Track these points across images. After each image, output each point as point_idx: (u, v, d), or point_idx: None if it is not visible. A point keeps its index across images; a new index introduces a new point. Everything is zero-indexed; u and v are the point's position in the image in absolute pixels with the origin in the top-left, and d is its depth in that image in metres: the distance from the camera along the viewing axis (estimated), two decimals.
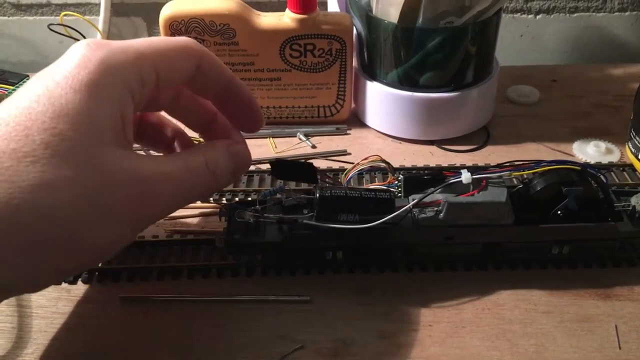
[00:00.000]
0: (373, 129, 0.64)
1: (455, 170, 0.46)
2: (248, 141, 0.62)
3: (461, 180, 0.44)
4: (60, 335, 0.43)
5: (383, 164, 0.49)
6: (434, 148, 0.62)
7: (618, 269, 0.47)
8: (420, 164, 0.59)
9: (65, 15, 0.67)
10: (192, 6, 0.58)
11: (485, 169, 0.46)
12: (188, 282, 0.47)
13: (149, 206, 0.37)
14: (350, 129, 0.64)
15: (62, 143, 0.32)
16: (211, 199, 0.55)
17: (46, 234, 0.32)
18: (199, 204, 0.54)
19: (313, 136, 0.63)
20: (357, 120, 0.65)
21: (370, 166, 0.49)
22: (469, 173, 0.44)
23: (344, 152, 0.61)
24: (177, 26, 0.58)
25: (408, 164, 0.59)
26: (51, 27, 0.65)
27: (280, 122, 0.65)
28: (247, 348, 0.42)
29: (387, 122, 0.63)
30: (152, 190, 0.36)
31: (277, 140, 0.63)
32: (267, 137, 0.63)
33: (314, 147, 0.62)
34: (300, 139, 0.63)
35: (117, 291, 0.46)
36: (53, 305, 0.45)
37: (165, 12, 0.58)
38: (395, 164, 0.58)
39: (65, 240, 0.33)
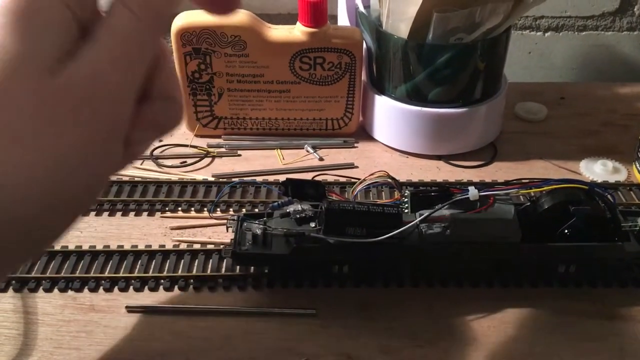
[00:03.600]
0: (380, 142, 0.64)
1: (463, 186, 0.46)
2: (257, 152, 0.63)
3: (468, 197, 0.44)
4: (65, 343, 0.43)
5: (390, 180, 0.49)
6: (441, 163, 0.62)
7: (624, 289, 0.47)
8: (427, 179, 0.59)
9: None
10: (204, 17, 0.58)
11: (492, 186, 0.47)
12: (195, 293, 0.47)
13: (106, 104, 0.28)
14: (357, 142, 0.65)
15: None
16: (218, 210, 0.55)
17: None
18: (204, 214, 0.54)
19: (321, 148, 0.64)
20: (364, 133, 0.65)
21: (376, 182, 0.49)
22: (476, 190, 0.44)
23: (351, 166, 0.61)
24: (189, 37, 0.58)
25: (415, 179, 0.59)
26: None
27: (289, 134, 0.65)
28: None
29: (394, 137, 0.63)
30: (99, 87, 0.28)
31: (284, 151, 0.63)
32: (275, 149, 0.63)
33: (321, 159, 0.62)
34: (307, 151, 0.63)
35: (123, 300, 0.46)
36: (59, 312, 0.45)
37: (177, 23, 0.58)
38: (402, 178, 0.59)
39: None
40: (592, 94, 0.73)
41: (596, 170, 0.60)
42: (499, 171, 0.60)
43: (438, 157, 0.62)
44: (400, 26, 0.57)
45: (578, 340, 0.43)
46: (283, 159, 0.62)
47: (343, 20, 0.67)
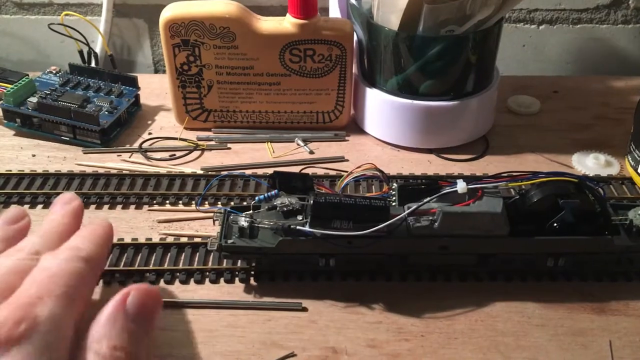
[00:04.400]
0: (372, 136, 0.64)
1: (451, 180, 0.45)
2: (246, 145, 0.62)
3: (456, 190, 0.44)
4: None
5: (377, 173, 0.48)
6: (432, 157, 0.61)
7: (614, 284, 0.47)
8: (418, 172, 0.59)
9: (66, 15, 0.67)
10: (193, 9, 0.58)
11: (481, 179, 0.46)
12: (181, 287, 0.47)
13: None
14: (348, 136, 0.64)
15: None
16: (206, 203, 0.54)
17: None
18: (192, 207, 0.54)
19: (311, 142, 0.63)
20: (355, 127, 0.65)
21: (363, 174, 0.48)
22: (465, 183, 0.44)
23: (341, 159, 0.61)
24: (177, 28, 0.58)
25: (406, 172, 0.58)
26: (51, 26, 0.65)
27: (279, 127, 0.64)
28: (238, 354, 0.42)
29: (385, 130, 0.62)
30: None
31: (275, 145, 0.63)
32: (265, 142, 0.63)
33: (311, 152, 0.62)
34: (298, 144, 0.63)
35: (108, 294, 0.46)
36: None
37: (165, 14, 0.58)
38: (393, 172, 0.58)
39: None
40: (586, 87, 0.73)
41: (588, 163, 0.60)
42: (491, 165, 0.60)
43: (429, 151, 0.62)
44: (391, 18, 0.56)
45: (567, 334, 0.43)
46: (273, 152, 0.62)
47: (334, 12, 0.66)
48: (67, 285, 0.34)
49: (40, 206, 0.54)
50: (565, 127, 0.66)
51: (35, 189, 0.55)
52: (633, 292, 0.46)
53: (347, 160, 0.61)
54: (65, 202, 0.43)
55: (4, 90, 0.62)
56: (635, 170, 0.56)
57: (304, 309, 0.45)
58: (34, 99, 0.62)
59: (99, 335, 0.32)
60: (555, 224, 0.44)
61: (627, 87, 0.72)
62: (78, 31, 0.67)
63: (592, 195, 0.45)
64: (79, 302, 0.35)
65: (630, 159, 0.57)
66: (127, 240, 0.50)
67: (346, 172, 0.52)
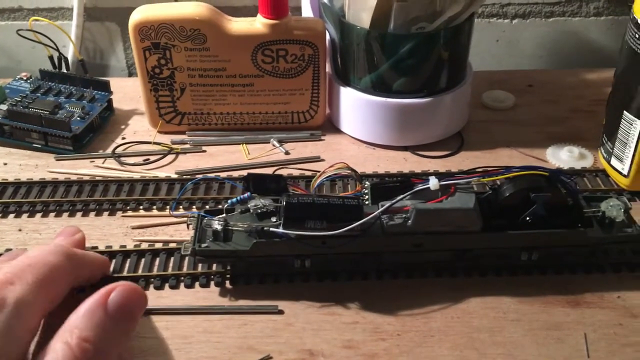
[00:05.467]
0: (347, 134, 0.64)
1: (424, 177, 0.45)
2: (221, 147, 0.62)
3: (429, 187, 0.43)
4: None
5: (350, 171, 0.48)
6: (407, 154, 0.61)
7: (588, 276, 0.47)
8: (394, 170, 0.59)
9: (34, 20, 0.66)
10: (162, 11, 0.57)
11: (453, 175, 0.46)
12: (156, 292, 0.46)
13: None
14: (324, 135, 0.64)
15: None
16: (181, 207, 0.54)
17: None
18: (167, 212, 0.53)
19: (287, 142, 0.63)
20: (331, 126, 0.65)
21: (336, 174, 0.48)
22: (437, 179, 0.44)
23: (317, 159, 0.61)
24: (147, 32, 0.57)
25: (381, 170, 0.58)
26: (20, 32, 0.64)
27: (254, 128, 0.64)
28: None
29: (361, 128, 0.62)
30: None
31: (250, 146, 0.62)
32: (240, 144, 0.63)
33: (287, 153, 0.61)
34: (273, 145, 0.62)
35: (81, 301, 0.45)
36: None
37: (135, 17, 0.57)
38: (369, 170, 0.58)
39: None
40: (560, 80, 0.73)
41: (562, 157, 0.60)
42: (466, 161, 0.60)
43: (405, 148, 0.62)
44: (362, 16, 0.56)
45: (542, 328, 0.43)
46: (249, 153, 0.61)
47: (307, 11, 0.66)
48: (42, 275, 0.34)
49: (12, 215, 0.53)
50: (540, 121, 0.66)
51: (6, 198, 0.55)
52: (607, 284, 0.46)
53: (323, 160, 0.60)
54: (69, 234, 0.44)
55: None
56: (608, 162, 0.56)
57: (280, 312, 0.45)
58: (4, 107, 0.61)
59: (72, 325, 0.32)
60: (527, 218, 0.44)
61: (599, 79, 0.73)
62: (48, 37, 0.66)
63: (564, 189, 0.45)
64: (52, 294, 0.35)
65: (602, 151, 0.57)
66: (101, 247, 0.49)
67: (321, 171, 0.52)
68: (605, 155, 0.57)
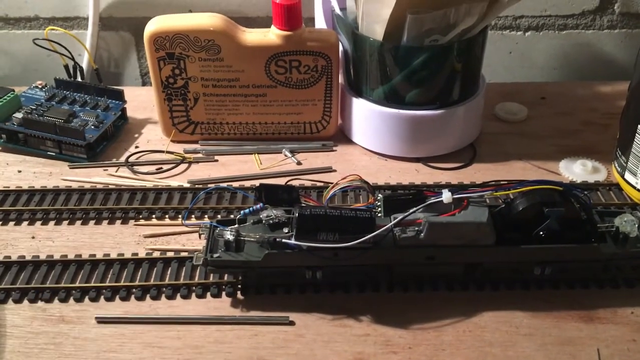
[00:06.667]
0: (359, 145, 0.64)
1: (437, 189, 0.45)
2: (234, 157, 0.62)
3: (442, 200, 0.43)
4: (33, 355, 0.42)
5: (362, 184, 0.48)
6: (419, 165, 0.61)
7: (601, 291, 0.47)
8: (405, 181, 0.58)
9: (50, 29, 0.67)
10: (177, 22, 0.58)
11: (466, 188, 0.46)
12: (168, 302, 0.47)
13: None
14: (336, 146, 0.64)
15: None
16: (193, 217, 0.54)
17: None
18: (179, 221, 0.53)
19: (299, 152, 0.63)
20: (343, 137, 0.65)
21: (349, 185, 0.48)
22: (450, 193, 0.43)
23: (329, 169, 0.61)
24: (162, 42, 0.58)
25: (393, 182, 0.58)
26: (36, 41, 0.65)
27: (266, 138, 0.64)
28: None
29: (373, 139, 0.62)
30: None
31: (262, 156, 0.62)
32: (252, 154, 0.63)
33: (299, 163, 0.61)
34: (285, 156, 0.62)
35: (94, 311, 0.46)
36: (28, 324, 0.45)
37: (150, 28, 0.58)
38: (381, 181, 0.58)
39: None
40: (573, 93, 0.73)
41: (575, 170, 0.60)
42: (478, 173, 0.60)
43: (417, 160, 0.62)
44: (376, 28, 0.57)
45: (554, 344, 0.43)
46: (261, 163, 0.62)
47: (320, 22, 0.66)
48: None
49: (25, 223, 0.54)
50: (553, 133, 0.66)
51: (20, 205, 0.55)
52: (620, 299, 0.46)
53: (335, 171, 0.60)
54: None
55: None
56: (622, 176, 0.56)
57: (291, 323, 0.45)
58: (19, 115, 0.62)
59: None
60: (541, 232, 0.44)
61: (613, 92, 0.72)
62: (63, 46, 0.67)
63: (578, 203, 0.45)
64: None
65: (616, 164, 0.57)
66: (113, 255, 0.50)
67: (333, 183, 0.52)
68: (619, 169, 0.56)
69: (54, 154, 0.62)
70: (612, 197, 0.56)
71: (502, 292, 0.47)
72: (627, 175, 0.55)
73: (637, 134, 0.52)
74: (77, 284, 0.47)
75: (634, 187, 0.54)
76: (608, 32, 0.78)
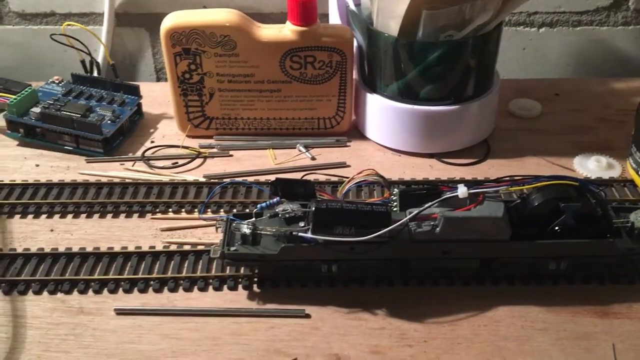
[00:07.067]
0: (373, 141, 0.64)
1: (452, 184, 0.45)
2: (248, 152, 0.63)
3: (457, 195, 0.44)
4: (53, 346, 0.43)
5: (378, 178, 0.48)
6: (433, 161, 0.61)
7: (616, 286, 0.47)
8: (419, 177, 0.59)
9: (67, 25, 0.68)
10: (193, 17, 0.58)
11: (481, 183, 0.46)
12: (184, 294, 0.47)
13: None
14: (350, 141, 0.64)
15: None
16: (209, 211, 0.55)
17: None
18: (195, 214, 0.54)
19: (313, 148, 0.63)
20: (357, 132, 0.65)
21: (364, 180, 0.48)
22: (465, 187, 0.44)
23: (343, 165, 0.61)
24: (178, 37, 0.58)
25: (407, 177, 0.59)
26: (53, 37, 0.65)
27: (281, 133, 0.65)
28: None
29: (387, 135, 0.62)
30: None
31: (277, 151, 0.63)
32: (267, 149, 0.63)
33: (313, 159, 0.62)
34: (300, 151, 0.63)
35: (112, 302, 0.46)
36: (48, 315, 0.45)
37: (166, 24, 0.58)
38: (395, 177, 0.58)
39: None
40: (587, 89, 0.73)
41: (590, 166, 0.60)
42: (492, 168, 0.60)
43: (431, 155, 0.62)
44: (391, 24, 0.57)
45: (569, 338, 0.43)
46: (275, 158, 0.62)
47: (334, 18, 0.67)
48: None
49: (44, 216, 0.54)
50: (567, 129, 0.66)
51: (39, 198, 0.56)
52: (636, 294, 0.46)
53: (349, 166, 0.61)
54: None
55: (7, 101, 0.62)
56: (637, 172, 0.56)
57: (307, 316, 0.45)
58: (37, 109, 0.62)
59: None
60: (556, 228, 0.44)
61: (628, 88, 0.72)
62: (80, 41, 0.67)
63: (593, 199, 0.45)
64: None
65: (631, 161, 0.57)
66: (131, 248, 0.50)
67: (348, 177, 0.52)
68: (634, 165, 0.56)
69: (71, 148, 0.62)
70: (626, 193, 0.56)
71: (518, 287, 0.47)
72: None
73: None
74: (95, 276, 0.48)
75: None
76: (622, 28, 0.78)
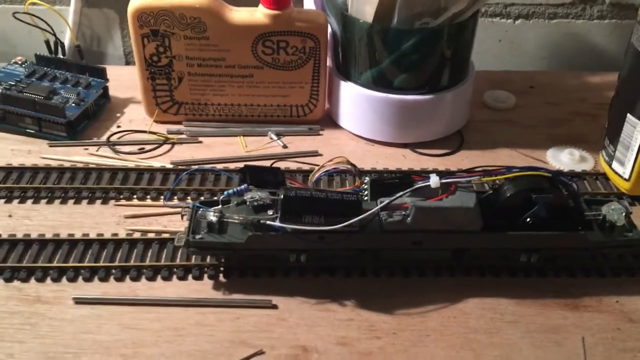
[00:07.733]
0: (346, 130, 0.63)
1: (424, 174, 0.44)
2: (218, 139, 0.61)
3: (430, 185, 0.43)
4: (8, 336, 0.41)
5: (350, 166, 0.47)
6: (407, 151, 0.60)
7: (588, 279, 0.47)
8: (392, 167, 0.58)
9: (31, 4, 0.65)
10: None
11: (454, 173, 0.45)
12: (148, 284, 0.45)
13: None
14: (323, 130, 0.63)
15: None
16: (175, 198, 0.53)
17: None
18: (161, 202, 0.52)
19: (285, 136, 0.62)
20: (330, 120, 0.64)
21: (335, 168, 0.47)
22: (438, 177, 0.43)
23: (315, 153, 0.60)
24: (146, 18, 0.56)
25: (380, 167, 0.58)
26: (16, 15, 0.63)
27: (252, 120, 0.63)
28: (206, 353, 0.41)
29: (360, 124, 0.61)
30: None
31: (247, 139, 0.61)
32: (237, 136, 0.62)
33: (285, 147, 0.60)
34: (271, 138, 0.61)
35: (72, 291, 0.44)
36: (2, 304, 0.43)
37: (134, 3, 0.56)
38: (367, 166, 0.57)
39: None
40: (562, 82, 0.72)
41: (563, 159, 0.59)
42: (465, 160, 0.59)
43: (404, 145, 0.61)
44: (366, 9, 0.55)
45: (539, 331, 0.43)
46: (246, 146, 0.60)
47: (309, 3, 0.65)
48: None
49: (2, 201, 0.52)
50: (541, 122, 0.65)
51: None
52: (606, 288, 0.46)
53: (321, 155, 0.60)
54: None
55: None
56: (609, 165, 0.55)
57: (274, 307, 0.44)
58: None
59: None
60: (528, 219, 0.44)
61: (602, 82, 0.72)
62: (45, 21, 0.65)
63: (566, 191, 0.44)
64: None
65: (604, 154, 0.57)
66: (92, 235, 0.49)
67: (318, 165, 0.51)
68: (606, 158, 0.56)
69: (33, 131, 0.60)
70: (598, 186, 0.56)
71: (488, 278, 0.46)
72: (615, 165, 0.55)
73: (625, 123, 0.52)
74: (54, 264, 0.46)
75: (621, 177, 0.54)
76: (598, 22, 0.78)
